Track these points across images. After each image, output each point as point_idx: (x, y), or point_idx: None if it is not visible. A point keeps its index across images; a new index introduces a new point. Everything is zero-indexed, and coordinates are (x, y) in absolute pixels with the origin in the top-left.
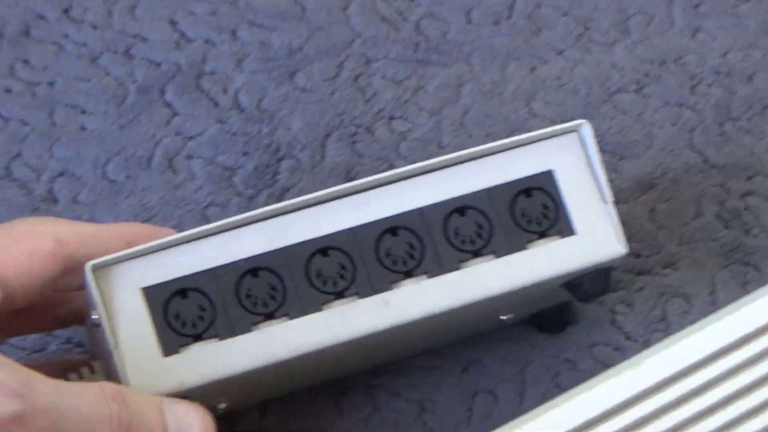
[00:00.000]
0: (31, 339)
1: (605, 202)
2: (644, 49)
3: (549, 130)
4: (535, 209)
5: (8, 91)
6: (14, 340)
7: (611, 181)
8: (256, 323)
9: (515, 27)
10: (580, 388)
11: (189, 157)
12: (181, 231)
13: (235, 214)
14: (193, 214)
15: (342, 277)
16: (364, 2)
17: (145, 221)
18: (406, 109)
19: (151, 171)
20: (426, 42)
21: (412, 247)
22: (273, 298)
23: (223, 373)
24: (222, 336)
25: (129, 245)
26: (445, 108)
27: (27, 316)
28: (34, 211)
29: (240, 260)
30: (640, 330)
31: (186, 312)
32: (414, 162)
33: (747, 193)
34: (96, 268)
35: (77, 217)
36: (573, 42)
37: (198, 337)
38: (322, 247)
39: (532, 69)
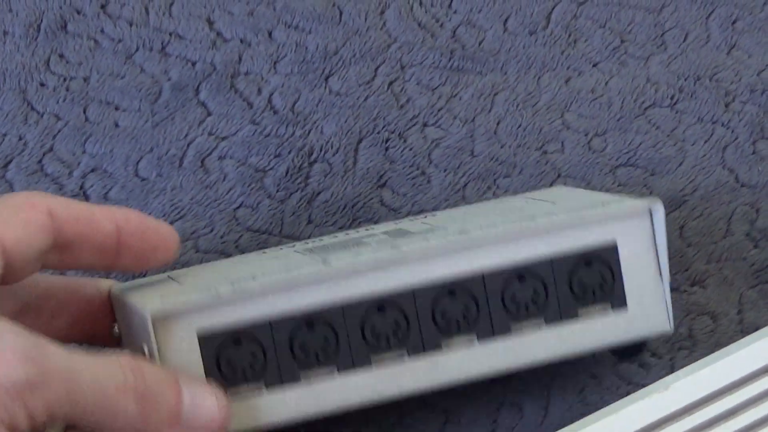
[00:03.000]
0: None
1: (661, 280)
2: (680, 64)
3: (619, 205)
4: (593, 279)
5: (43, 84)
6: None
7: (641, 195)
8: (306, 375)
9: (552, 37)
10: (607, 410)
11: (221, 157)
12: (212, 230)
13: (266, 216)
14: (223, 215)
15: (395, 334)
16: (401, 7)
17: (175, 221)
18: (440, 116)
19: (182, 170)
20: (462, 49)
21: (467, 309)
22: (325, 351)
23: (266, 421)
24: (269, 384)
25: (119, 230)
26: (478, 116)
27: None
28: None
29: (297, 311)
30: (666, 347)
31: (237, 359)
32: (446, 170)
33: None
34: (155, 320)
35: None
36: (609, 54)
37: (246, 384)
38: (380, 304)
39: (567, 80)
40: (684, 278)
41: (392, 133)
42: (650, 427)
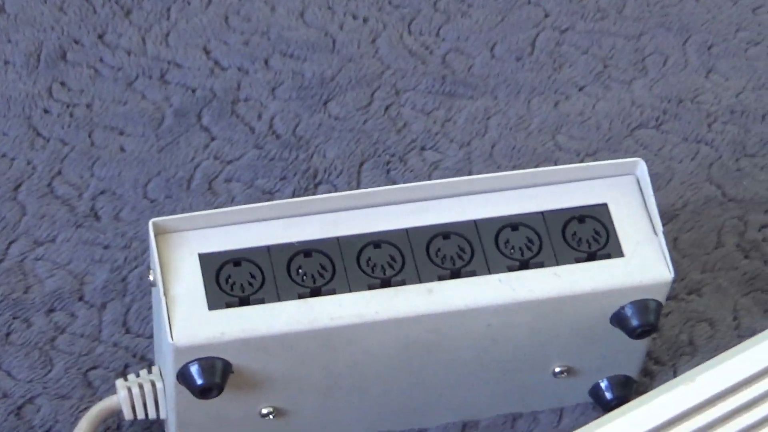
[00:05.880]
0: (80, 344)
1: (656, 233)
2: (662, 88)
3: (605, 164)
4: (586, 233)
5: (47, 111)
6: (62, 345)
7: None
8: (302, 295)
9: (537, 63)
10: (636, 402)
11: (228, 180)
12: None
13: None
14: None
15: (391, 266)
16: (392, 35)
17: None
18: (437, 140)
19: (191, 192)
20: (452, 75)
21: (462, 250)
22: (322, 276)
23: (263, 332)
24: (267, 300)
25: None
26: (473, 140)
27: None
28: (78, 227)
29: (294, 242)
30: (668, 354)
31: (236, 277)
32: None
33: (765, 225)
34: (158, 232)
35: (120, 234)
36: (593, 79)
37: (245, 301)
38: (376, 241)
39: (556, 104)
40: (681, 287)
41: (392, 156)
42: (678, 417)
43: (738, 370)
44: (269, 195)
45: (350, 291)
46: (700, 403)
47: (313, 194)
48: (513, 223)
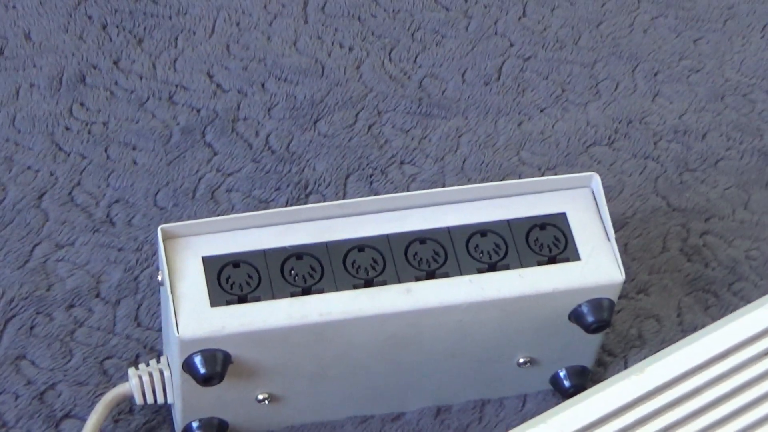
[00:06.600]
0: (96, 336)
1: (609, 239)
2: (613, 110)
3: (564, 178)
4: (547, 239)
5: (68, 128)
6: (80, 337)
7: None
8: (294, 293)
9: (503, 87)
10: (593, 390)
11: (228, 190)
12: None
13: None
14: None
15: (374, 268)
16: (374, 62)
17: None
18: (414, 155)
19: (195, 201)
20: (428, 98)
21: (437, 253)
22: (312, 276)
23: (258, 327)
24: (263, 298)
25: None
26: (446, 155)
27: None
28: (95, 232)
29: (287, 246)
30: (620, 347)
31: (236, 277)
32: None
33: (705, 233)
34: (166, 237)
35: (133, 238)
36: (553, 102)
37: (243, 299)
38: (360, 245)
39: (519, 123)
40: (631, 287)
41: (375, 169)
42: (629, 404)
43: (683, 362)
44: (265, 204)
45: (337, 290)
46: (649, 392)
47: (305, 203)
48: (482, 230)
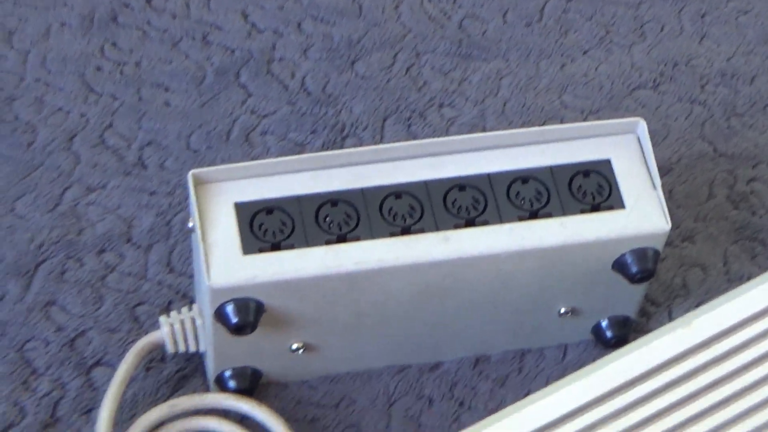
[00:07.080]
0: (127, 281)
1: (654, 188)
2: (658, 52)
3: (609, 123)
4: (591, 186)
5: (99, 69)
6: (111, 282)
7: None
8: (329, 241)
9: (545, 28)
10: (638, 343)
11: (263, 133)
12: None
13: None
14: None
15: (411, 216)
16: (413, 3)
17: None
18: (454, 98)
19: (229, 144)
20: (468, 39)
21: (476, 201)
22: (347, 224)
23: (292, 275)
24: (297, 246)
25: None
26: (487, 98)
27: None
28: (126, 175)
29: (323, 191)
30: (664, 296)
31: (269, 224)
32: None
33: (752, 179)
34: (197, 183)
35: (165, 181)
36: (596, 44)
37: (276, 246)
38: (397, 192)
39: (562, 66)
40: (676, 235)
41: (413, 112)
42: (675, 358)
43: (731, 315)
44: (300, 147)
45: (373, 238)
46: (696, 345)
47: (341, 147)
48: (523, 177)
